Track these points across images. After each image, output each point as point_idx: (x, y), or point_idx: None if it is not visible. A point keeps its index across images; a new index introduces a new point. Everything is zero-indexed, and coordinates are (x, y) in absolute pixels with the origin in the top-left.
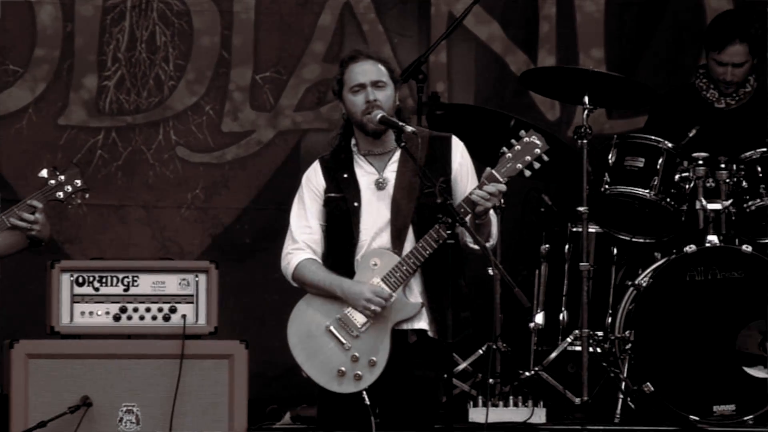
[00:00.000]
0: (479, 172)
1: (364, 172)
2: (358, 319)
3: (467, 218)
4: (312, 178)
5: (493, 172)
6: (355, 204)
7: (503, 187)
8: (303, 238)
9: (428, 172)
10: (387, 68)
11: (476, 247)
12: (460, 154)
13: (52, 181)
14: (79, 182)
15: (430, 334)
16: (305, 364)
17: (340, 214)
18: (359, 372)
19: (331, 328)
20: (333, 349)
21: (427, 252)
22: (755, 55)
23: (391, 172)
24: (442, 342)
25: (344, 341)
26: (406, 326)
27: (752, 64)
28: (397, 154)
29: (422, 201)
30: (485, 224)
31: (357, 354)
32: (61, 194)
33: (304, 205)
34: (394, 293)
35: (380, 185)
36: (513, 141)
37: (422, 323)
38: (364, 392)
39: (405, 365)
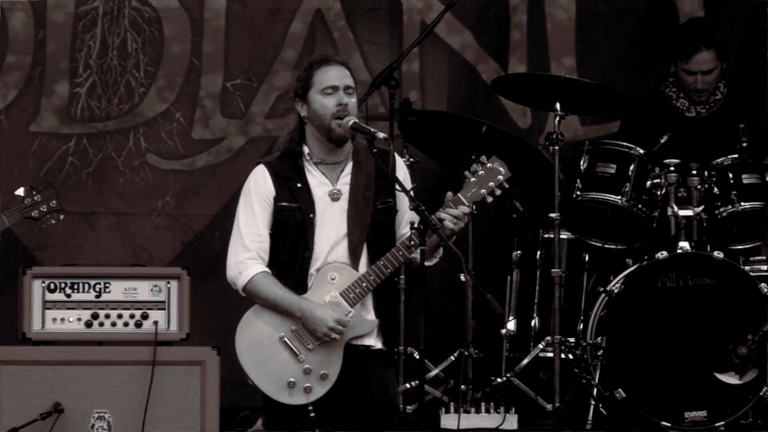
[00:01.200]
0: (446, 182)
1: (318, 182)
2: None
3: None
4: (261, 184)
5: (459, 195)
6: (311, 215)
7: (468, 210)
8: (254, 246)
9: (380, 184)
10: (353, 77)
11: (430, 264)
12: (402, 170)
13: (28, 200)
14: (54, 203)
15: (376, 347)
16: (253, 373)
17: (295, 224)
18: (309, 384)
19: (286, 338)
20: (285, 359)
21: (388, 270)
22: (723, 59)
23: (344, 184)
24: (388, 351)
25: (298, 352)
26: (356, 342)
27: (721, 70)
28: (349, 166)
29: (376, 216)
30: (437, 246)
31: (309, 366)
32: (36, 213)
33: (254, 212)
34: (352, 309)
35: (334, 196)
36: (475, 167)
37: (372, 340)
38: (310, 406)
39: (359, 368)
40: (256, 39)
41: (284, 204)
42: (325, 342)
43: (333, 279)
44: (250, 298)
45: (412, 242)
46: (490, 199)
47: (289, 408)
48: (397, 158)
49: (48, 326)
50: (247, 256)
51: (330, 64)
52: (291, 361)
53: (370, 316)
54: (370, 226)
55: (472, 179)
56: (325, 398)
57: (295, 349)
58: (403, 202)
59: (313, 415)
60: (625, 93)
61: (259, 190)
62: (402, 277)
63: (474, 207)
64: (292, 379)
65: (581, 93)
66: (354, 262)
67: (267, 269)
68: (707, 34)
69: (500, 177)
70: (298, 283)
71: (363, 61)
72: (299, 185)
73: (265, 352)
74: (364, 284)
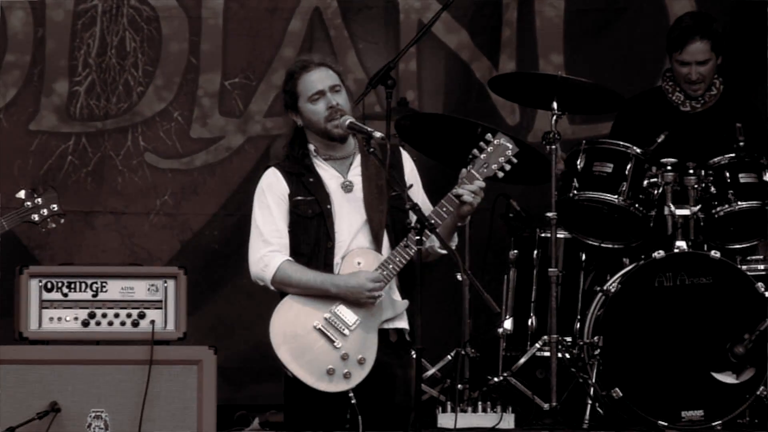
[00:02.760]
0: (444, 179)
1: (329, 175)
2: (348, 317)
3: (446, 216)
4: (274, 184)
5: (472, 171)
6: (328, 206)
7: (482, 184)
8: (275, 241)
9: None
10: (336, 71)
11: (443, 251)
12: (409, 163)
13: (29, 203)
14: (55, 206)
15: (407, 336)
16: (291, 364)
17: (314, 216)
18: (349, 370)
19: (321, 326)
20: (322, 347)
21: (407, 255)
22: (719, 53)
23: (355, 175)
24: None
25: (334, 339)
26: (387, 326)
27: (716, 63)
28: (357, 159)
29: (392, 204)
30: (455, 226)
31: (347, 352)
32: (36, 217)
33: (270, 210)
34: (382, 292)
35: (347, 188)
36: (482, 144)
37: (403, 323)
38: (351, 392)
39: (386, 364)
40: (254, 37)
41: (300, 198)
42: (360, 325)
43: (359, 264)
44: (280, 290)
45: (432, 219)
46: (501, 174)
47: (326, 397)
48: (405, 153)
49: (45, 325)
50: (269, 249)
51: (309, 69)
52: (328, 349)
53: (398, 297)
54: (387, 213)
55: (481, 156)
56: (363, 387)
57: (330, 336)
58: (413, 188)
59: (354, 401)
60: (618, 92)
61: (273, 189)
62: None
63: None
64: (331, 367)
65: (575, 92)
66: (378, 247)
67: (290, 258)
68: (702, 24)
69: (509, 152)
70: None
71: (358, 59)
72: (311, 180)
73: (302, 343)
74: (391, 266)
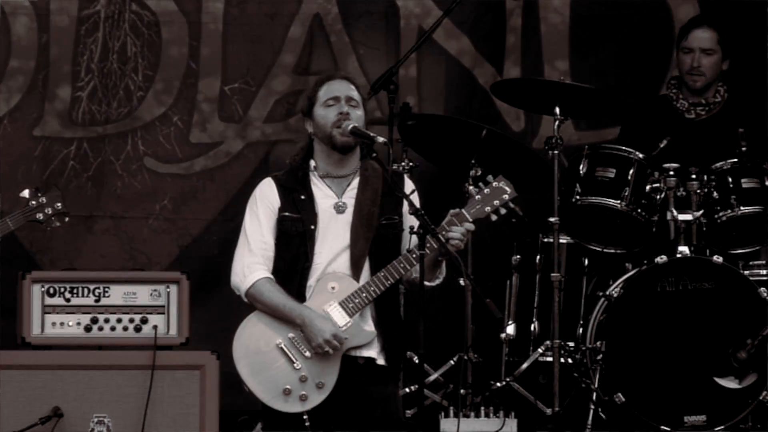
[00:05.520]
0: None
1: (323, 195)
2: None
3: (428, 252)
4: (267, 194)
5: (463, 212)
6: (312, 227)
7: (472, 227)
8: (260, 252)
9: (386, 201)
10: (359, 93)
11: (433, 284)
12: (410, 187)
13: (33, 202)
14: (59, 205)
15: (378, 362)
16: (249, 380)
17: (296, 235)
18: (305, 393)
19: (283, 345)
20: (281, 366)
21: (389, 282)
22: (725, 52)
23: (350, 197)
24: (390, 367)
25: (295, 360)
26: (355, 353)
27: (721, 63)
28: (355, 181)
29: (380, 232)
30: (441, 264)
31: (306, 374)
32: (40, 216)
33: (259, 220)
34: (351, 319)
35: (340, 209)
36: (481, 185)
37: (372, 352)
38: (306, 415)
39: (359, 384)
40: (254, 43)
41: (287, 214)
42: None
43: (333, 288)
44: (251, 304)
45: (414, 254)
46: (494, 218)
47: (287, 415)
48: (410, 183)
49: (47, 330)
50: (253, 260)
51: (333, 79)
52: (287, 369)
53: (369, 327)
54: (373, 241)
55: (477, 197)
56: (325, 409)
57: (291, 357)
58: (409, 222)
59: (308, 424)
60: (624, 98)
61: (265, 199)
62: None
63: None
64: (287, 387)
65: (580, 97)
66: (355, 273)
67: (270, 276)
68: (710, 15)
69: (506, 196)
70: (297, 294)
71: (359, 65)
72: (303, 197)
73: (262, 359)
74: (364, 294)
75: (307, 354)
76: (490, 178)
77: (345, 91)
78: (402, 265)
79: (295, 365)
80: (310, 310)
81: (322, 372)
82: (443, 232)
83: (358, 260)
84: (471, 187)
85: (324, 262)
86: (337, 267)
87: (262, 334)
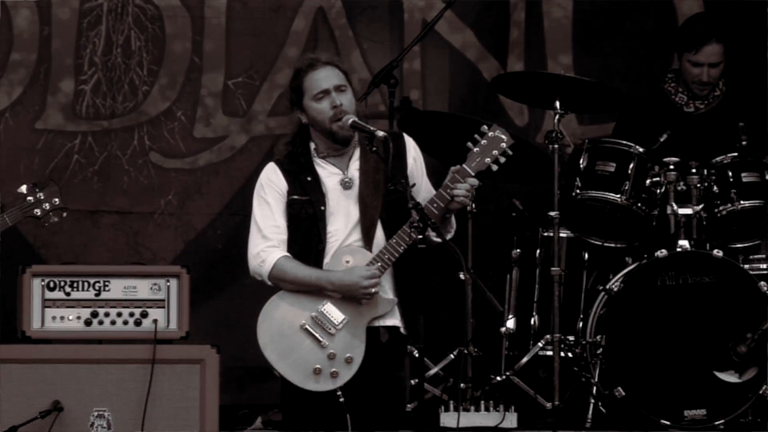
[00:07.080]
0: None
1: (328, 173)
2: (335, 316)
3: (436, 212)
4: (273, 179)
5: (465, 167)
6: (322, 208)
7: (476, 182)
8: (274, 236)
9: (392, 171)
10: (342, 71)
11: (438, 239)
12: (413, 150)
13: (31, 198)
14: (57, 200)
15: (402, 331)
16: (278, 364)
17: (306, 217)
18: (336, 369)
19: (307, 326)
20: (308, 347)
21: (401, 248)
22: (728, 57)
23: (355, 170)
24: (413, 339)
25: (321, 339)
26: (378, 323)
27: (725, 64)
28: (357, 152)
29: (389, 198)
30: (450, 219)
31: (334, 351)
32: (38, 211)
33: (269, 205)
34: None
35: (347, 185)
36: (477, 136)
37: (395, 320)
38: (339, 391)
39: (377, 365)
40: (257, 37)
41: (296, 197)
42: (348, 324)
43: (347, 262)
44: (276, 285)
45: (414, 225)
46: (495, 168)
47: (314, 396)
48: (409, 140)
49: (47, 324)
50: (268, 245)
51: (315, 67)
52: (315, 348)
53: (389, 296)
54: (382, 208)
55: (475, 149)
56: (356, 384)
57: (317, 336)
58: (415, 174)
59: (342, 400)
60: (622, 91)
61: (272, 184)
62: None
63: (474, 206)
64: (317, 366)
65: (580, 91)
66: (368, 244)
67: (288, 254)
68: (718, 27)
69: (503, 144)
70: None
71: (363, 59)
72: (309, 179)
73: (288, 342)
74: (379, 264)
75: (332, 331)
76: (484, 128)
77: (331, 80)
78: (408, 234)
79: (321, 344)
80: (332, 272)
81: (349, 346)
82: (448, 191)
83: (369, 231)
84: (468, 143)
85: (338, 240)
86: (353, 239)
87: (284, 318)
